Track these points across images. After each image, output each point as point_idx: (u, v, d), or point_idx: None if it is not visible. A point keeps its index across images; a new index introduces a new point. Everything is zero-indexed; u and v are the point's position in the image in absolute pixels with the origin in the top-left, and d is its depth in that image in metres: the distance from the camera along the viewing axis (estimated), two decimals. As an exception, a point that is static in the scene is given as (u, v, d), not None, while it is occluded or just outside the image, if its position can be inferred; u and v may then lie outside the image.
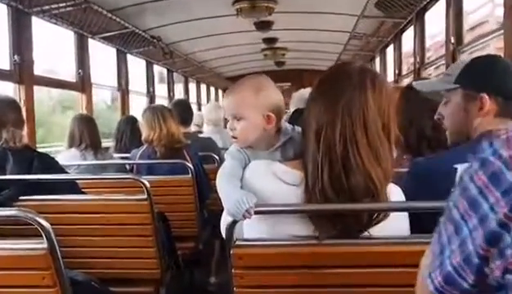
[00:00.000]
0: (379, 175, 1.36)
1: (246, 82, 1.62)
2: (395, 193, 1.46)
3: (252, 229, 1.50)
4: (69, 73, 5.45)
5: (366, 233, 1.41)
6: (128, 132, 4.41)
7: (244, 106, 1.57)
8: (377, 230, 1.41)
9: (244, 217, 1.38)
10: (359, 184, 1.35)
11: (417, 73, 5.79)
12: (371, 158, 1.36)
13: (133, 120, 4.51)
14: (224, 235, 1.48)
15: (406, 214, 1.49)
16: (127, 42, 6.30)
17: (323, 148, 1.37)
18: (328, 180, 1.36)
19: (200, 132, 5.59)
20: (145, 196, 2.61)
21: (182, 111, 4.45)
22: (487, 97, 1.64)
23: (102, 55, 6.36)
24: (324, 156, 1.37)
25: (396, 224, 1.45)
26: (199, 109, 10.64)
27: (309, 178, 1.40)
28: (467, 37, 4.44)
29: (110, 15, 5.17)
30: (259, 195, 1.41)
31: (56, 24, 4.72)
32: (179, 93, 10.04)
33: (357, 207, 1.38)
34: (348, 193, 1.36)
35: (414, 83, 2.00)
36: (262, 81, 1.62)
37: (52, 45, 5.89)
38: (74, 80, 5.37)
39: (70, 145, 3.86)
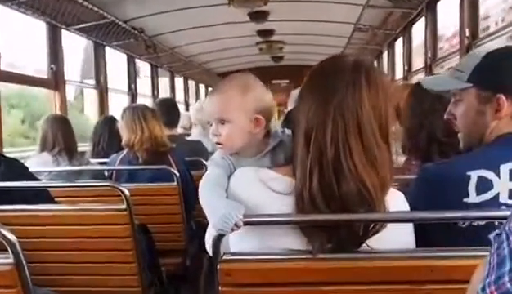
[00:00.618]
0: (374, 182, 1.36)
1: (231, 81, 1.62)
2: (396, 201, 1.46)
3: (239, 243, 1.50)
4: (37, 68, 5.43)
5: (365, 246, 1.41)
6: (106, 135, 4.40)
7: (229, 108, 1.57)
8: (377, 243, 1.40)
9: (233, 230, 1.38)
10: (351, 192, 1.35)
11: (429, 68, 5.81)
12: (366, 164, 1.36)
13: (112, 121, 4.50)
14: (209, 250, 1.49)
15: (410, 224, 1.50)
16: (105, 33, 6.31)
17: (313, 152, 1.37)
18: (318, 186, 1.36)
19: (188, 135, 5.59)
20: (124, 206, 2.60)
21: (167, 111, 4.46)
22: (504, 98, 1.59)
23: (78, 48, 6.36)
24: (313, 161, 1.37)
25: (399, 236, 1.45)
26: (187, 109, 10.65)
27: (297, 184, 1.40)
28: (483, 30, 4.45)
29: (85, 3, 5.17)
30: (246, 205, 1.41)
31: (25, 13, 4.71)
32: (164, 91, 10.06)
33: (351, 217, 1.38)
34: (340, 202, 1.36)
35: (421, 80, 2.00)
36: (248, 80, 1.62)
37: (19, 36, 5.88)
38: (46, 76, 5.37)
39: (42, 149, 3.85)
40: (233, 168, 1.57)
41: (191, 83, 12.27)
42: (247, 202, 1.43)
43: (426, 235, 1.47)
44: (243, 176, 1.50)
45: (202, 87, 13.49)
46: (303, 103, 1.43)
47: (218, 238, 1.43)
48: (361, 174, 1.35)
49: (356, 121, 1.36)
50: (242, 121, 1.57)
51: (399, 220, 1.45)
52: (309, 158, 1.38)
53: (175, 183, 3.55)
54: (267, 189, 1.44)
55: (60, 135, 3.85)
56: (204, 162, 4.26)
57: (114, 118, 4.51)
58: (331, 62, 1.49)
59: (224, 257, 1.46)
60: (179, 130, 5.21)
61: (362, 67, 1.42)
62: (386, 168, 1.39)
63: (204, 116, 5.27)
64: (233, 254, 1.49)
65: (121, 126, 3.81)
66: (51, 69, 5.37)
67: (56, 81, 5.40)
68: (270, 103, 1.63)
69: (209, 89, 14.02)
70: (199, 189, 1.52)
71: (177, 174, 3.55)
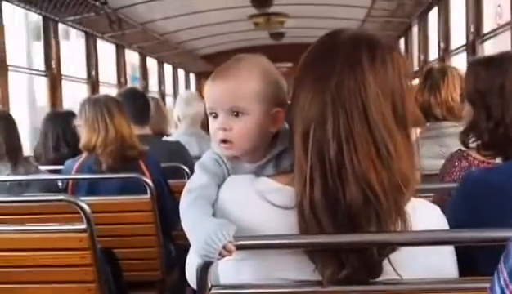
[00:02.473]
0: (384, 181, 1.34)
1: (246, 62, 1.60)
2: (429, 215, 1.45)
3: (230, 271, 1.50)
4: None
5: (391, 272, 1.38)
6: (55, 135, 4.39)
7: (247, 96, 1.54)
8: (404, 268, 1.38)
9: (223, 256, 1.36)
10: (355, 199, 1.33)
11: (471, 47, 5.83)
12: (375, 159, 1.34)
13: (64, 117, 4.48)
14: (191, 282, 1.48)
15: (451, 250, 1.48)
16: (57, 6, 6.30)
17: (312, 153, 1.36)
18: (320, 196, 1.35)
19: (165, 134, 5.57)
20: (83, 226, 2.60)
21: (136, 104, 4.44)
22: None
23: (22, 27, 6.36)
24: (314, 164, 1.36)
25: (433, 260, 1.43)
26: (163, 101, 10.65)
27: (296, 195, 1.39)
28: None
29: (32, -33, 5.18)
30: (239, 225, 1.40)
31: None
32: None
33: (362, 238, 1.35)
34: (346, 214, 1.35)
35: None
36: (267, 63, 1.61)
37: None
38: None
39: (-22, 155, 3.85)
40: (228, 175, 1.56)
41: (168, 68, 12.27)
42: (240, 221, 1.43)
43: (471, 258, 1.46)
44: (235, 187, 1.50)
45: (181, 73, 13.48)
46: (297, 95, 1.43)
47: (205, 267, 1.42)
48: (366, 172, 1.33)
49: (360, 107, 1.35)
50: (261, 114, 1.55)
51: (425, 242, 1.41)
52: (308, 162, 1.36)
53: (148, 195, 3.53)
54: (266, 203, 1.44)
55: (1, 137, 3.83)
56: (185, 168, 4.26)
57: (71, 113, 4.49)
58: (325, 40, 1.49)
59: (213, 291, 1.46)
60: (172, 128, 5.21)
61: (362, 40, 1.41)
62: (405, 163, 1.37)
63: (194, 109, 5.26)
64: (224, 286, 1.49)
65: (78, 123, 3.80)
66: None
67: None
68: (287, 95, 1.62)
69: (191, 75, 14.08)
70: (181, 201, 1.51)
71: (151, 184, 3.54)
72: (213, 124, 1.58)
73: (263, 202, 1.44)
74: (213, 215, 1.46)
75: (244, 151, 1.57)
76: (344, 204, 1.34)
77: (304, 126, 1.38)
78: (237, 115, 1.54)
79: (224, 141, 1.56)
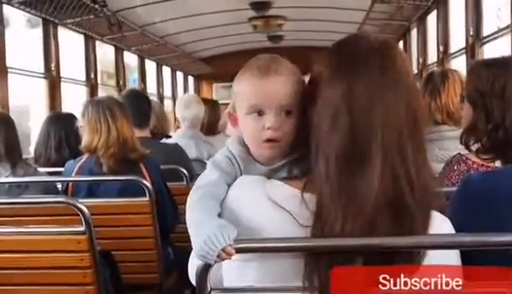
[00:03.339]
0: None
1: (281, 59, 1.58)
2: (440, 229, 1.44)
3: (234, 274, 1.48)
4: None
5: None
6: (57, 136, 4.38)
7: (294, 95, 1.52)
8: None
9: (222, 259, 1.36)
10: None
11: (471, 49, 5.82)
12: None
13: (67, 119, 4.48)
14: (194, 281, 1.47)
15: (456, 253, 1.47)
16: (57, 8, 6.29)
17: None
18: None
19: (166, 136, 5.56)
20: (82, 228, 2.59)
21: (136, 106, 4.43)
22: None
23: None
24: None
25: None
26: (161, 102, 10.64)
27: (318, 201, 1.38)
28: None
29: (32, -30, 5.18)
30: (245, 225, 1.41)
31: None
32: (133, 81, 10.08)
33: (368, 242, 1.35)
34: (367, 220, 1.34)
35: None
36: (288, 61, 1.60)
37: None
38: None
39: (-24, 156, 3.84)
40: (240, 175, 1.55)
41: (166, 70, 12.26)
42: (247, 221, 1.43)
43: (471, 263, 1.45)
44: (245, 187, 1.49)
45: (180, 76, 13.47)
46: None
47: (204, 270, 1.41)
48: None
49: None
50: (299, 113, 1.52)
51: (428, 246, 1.41)
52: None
53: (147, 198, 3.53)
54: (275, 206, 1.43)
55: (0, 138, 3.83)
56: (183, 170, 4.26)
57: (73, 115, 4.48)
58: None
59: (213, 294, 1.45)
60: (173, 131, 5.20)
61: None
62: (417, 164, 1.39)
63: (193, 112, 5.23)
64: (225, 290, 1.48)
65: (81, 124, 3.79)
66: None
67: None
68: None
69: (189, 78, 14.07)
70: (189, 199, 1.50)
71: (150, 187, 3.53)
72: (256, 122, 1.53)
73: (272, 205, 1.43)
74: (221, 213, 1.46)
75: (284, 151, 1.54)
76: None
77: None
78: (287, 114, 1.52)
79: (270, 140, 1.52)
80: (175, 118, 5.37)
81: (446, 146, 3.06)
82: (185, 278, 1.68)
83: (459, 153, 2.43)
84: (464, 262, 1.46)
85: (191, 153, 4.71)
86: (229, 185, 1.52)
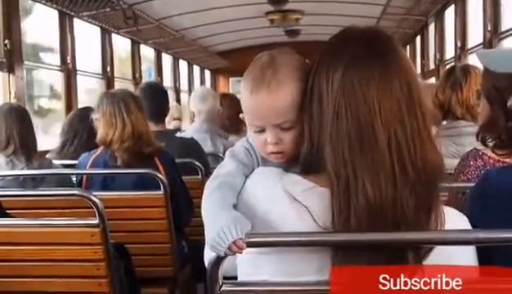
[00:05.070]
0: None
1: (282, 66, 1.53)
2: (456, 225, 1.43)
3: (248, 266, 1.47)
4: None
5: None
6: (85, 134, 4.36)
7: (295, 107, 1.49)
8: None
9: (233, 252, 1.35)
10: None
11: (488, 44, 5.78)
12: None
13: (89, 114, 4.47)
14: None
15: (472, 249, 1.46)
16: (73, 1, 6.31)
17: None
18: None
19: (178, 130, 5.56)
20: (96, 221, 2.59)
21: (153, 100, 4.42)
22: None
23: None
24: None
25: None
26: (178, 99, 10.67)
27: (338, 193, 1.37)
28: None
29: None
30: (260, 216, 1.41)
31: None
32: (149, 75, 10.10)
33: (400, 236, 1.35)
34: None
35: (479, 54, 1.98)
36: (297, 59, 1.57)
37: None
38: (-2, 56, 5.38)
39: (-8, 149, 3.85)
40: (258, 167, 1.56)
41: (183, 64, 12.27)
42: (263, 213, 1.42)
43: (487, 260, 1.44)
44: (263, 178, 1.49)
45: (197, 69, 13.49)
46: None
47: (216, 263, 1.41)
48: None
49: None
50: (301, 121, 1.49)
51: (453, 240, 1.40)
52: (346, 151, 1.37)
53: (162, 191, 3.52)
54: (291, 199, 1.41)
55: (15, 131, 3.83)
56: (198, 164, 4.25)
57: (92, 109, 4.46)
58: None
59: (223, 288, 1.44)
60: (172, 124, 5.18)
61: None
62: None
63: (209, 105, 5.20)
64: (236, 283, 1.47)
65: (96, 117, 3.78)
66: (5, 46, 5.36)
67: (9, 61, 5.39)
68: None
69: (206, 72, 14.08)
70: (205, 190, 1.50)
71: (164, 180, 3.53)
72: (259, 138, 1.54)
73: (288, 198, 1.42)
74: (237, 204, 1.45)
75: (294, 157, 1.53)
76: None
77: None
78: (287, 128, 1.51)
79: (276, 153, 1.53)
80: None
81: (463, 142, 3.04)
82: (199, 271, 1.68)
83: (475, 149, 2.40)
84: (480, 259, 1.45)
85: (207, 147, 4.70)
86: (246, 176, 1.52)
